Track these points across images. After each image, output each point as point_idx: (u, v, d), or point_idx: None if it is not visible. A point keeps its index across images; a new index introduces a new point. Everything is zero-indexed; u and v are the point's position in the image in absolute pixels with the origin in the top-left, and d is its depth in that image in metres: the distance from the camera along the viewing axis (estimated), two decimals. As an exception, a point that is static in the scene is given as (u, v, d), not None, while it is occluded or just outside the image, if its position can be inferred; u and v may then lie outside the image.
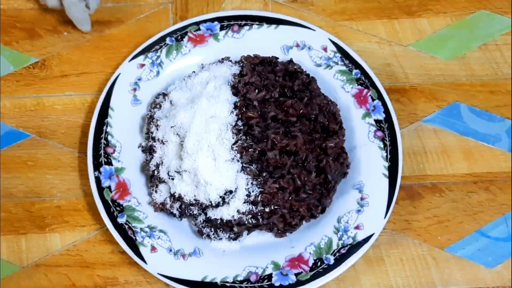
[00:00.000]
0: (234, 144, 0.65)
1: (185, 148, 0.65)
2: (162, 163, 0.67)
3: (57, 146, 0.74)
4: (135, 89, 0.73)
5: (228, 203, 0.64)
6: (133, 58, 0.74)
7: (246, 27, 0.76)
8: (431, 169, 0.72)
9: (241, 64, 0.71)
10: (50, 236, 0.69)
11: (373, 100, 0.72)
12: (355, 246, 0.65)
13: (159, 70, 0.75)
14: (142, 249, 0.66)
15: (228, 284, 0.64)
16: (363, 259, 0.68)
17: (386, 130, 0.70)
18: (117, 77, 0.73)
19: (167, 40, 0.75)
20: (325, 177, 0.66)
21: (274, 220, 0.65)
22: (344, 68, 0.74)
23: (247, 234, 0.68)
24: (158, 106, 0.71)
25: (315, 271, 0.65)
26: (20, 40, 0.79)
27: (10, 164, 0.73)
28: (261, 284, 0.64)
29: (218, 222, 0.65)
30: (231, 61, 0.73)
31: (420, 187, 0.72)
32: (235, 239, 0.67)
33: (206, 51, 0.76)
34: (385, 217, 0.66)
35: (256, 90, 0.68)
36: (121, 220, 0.67)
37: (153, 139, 0.69)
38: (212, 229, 0.66)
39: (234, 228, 0.65)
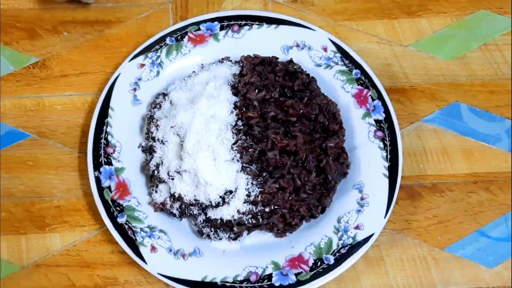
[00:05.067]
0: (234, 144, 0.65)
1: (185, 148, 0.65)
2: (162, 163, 0.67)
3: (57, 146, 0.74)
4: (135, 89, 0.73)
5: (228, 203, 0.64)
6: (133, 58, 0.74)
7: (246, 27, 0.76)
8: (431, 169, 0.72)
9: (241, 64, 0.71)
10: (50, 236, 0.69)
11: (373, 100, 0.72)
12: (355, 246, 0.65)
13: (159, 70, 0.75)
14: (142, 249, 0.66)
15: (228, 284, 0.64)
16: (363, 259, 0.68)
17: (386, 130, 0.70)
18: (117, 77, 0.73)
19: (167, 40, 0.75)
20: (325, 177, 0.66)
21: (274, 220, 0.65)
22: (344, 68, 0.74)
23: (247, 234, 0.68)
24: (158, 106, 0.71)
25: (315, 271, 0.65)
26: (20, 40, 0.79)
27: (10, 164, 0.73)
28: (261, 284, 0.64)
29: (218, 222, 0.65)
30: (231, 61, 0.73)
31: (420, 187, 0.72)
32: (235, 239, 0.67)
33: (206, 51, 0.76)
34: (385, 217, 0.66)
35: (256, 90, 0.68)
36: (121, 220, 0.67)
37: (153, 139, 0.69)
38: (212, 229, 0.66)
39: (234, 228, 0.65)
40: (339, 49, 0.75)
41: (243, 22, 0.76)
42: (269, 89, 0.68)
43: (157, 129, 0.69)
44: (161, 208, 0.68)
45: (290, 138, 0.65)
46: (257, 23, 0.76)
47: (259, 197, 0.64)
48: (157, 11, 0.81)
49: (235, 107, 0.67)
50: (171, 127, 0.67)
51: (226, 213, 0.64)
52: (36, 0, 0.82)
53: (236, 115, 0.66)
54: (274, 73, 0.70)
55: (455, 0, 0.82)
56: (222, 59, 0.73)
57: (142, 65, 0.74)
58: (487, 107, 0.76)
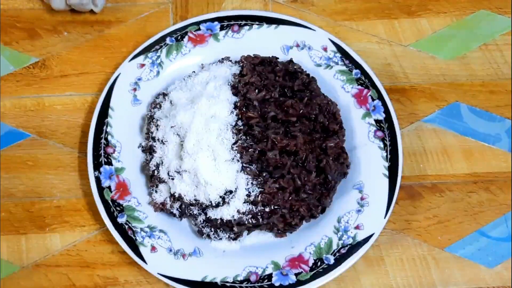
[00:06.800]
0: (234, 144, 0.65)
1: (185, 148, 0.65)
2: (162, 163, 0.67)
3: (57, 146, 0.74)
4: (135, 89, 0.73)
5: (228, 203, 0.64)
6: (133, 58, 0.74)
7: (246, 27, 0.76)
8: (431, 169, 0.72)
9: (241, 64, 0.71)
10: (50, 236, 0.69)
11: (373, 100, 0.72)
12: (355, 246, 0.65)
13: (159, 70, 0.75)
14: (142, 249, 0.66)
15: (228, 284, 0.64)
16: (363, 259, 0.68)
17: (386, 130, 0.70)
18: (117, 77, 0.73)
19: (167, 40, 0.75)
20: (325, 177, 0.66)
21: (274, 220, 0.65)
22: (344, 68, 0.74)
23: (247, 234, 0.68)
24: (158, 106, 0.71)
25: (315, 271, 0.65)
26: (20, 40, 0.79)
27: (10, 164, 0.73)
28: (261, 284, 0.64)
29: (218, 222, 0.65)
30: (231, 61, 0.73)
31: (420, 187, 0.72)
32: (235, 239, 0.67)
33: (206, 51, 0.76)
34: (385, 217, 0.66)
35: (256, 90, 0.68)
36: (121, 220, 0.67)
37: (153, 139, 0.69)
38: (212, 229, 0.66)
39: (234, 228, 0.65)
40: (339, 49, 0.75)
41: (243, 22, 0.76)
42: (269, 89, 0.68)
43: (157, 129, 0.69)
44: (161, 208, 0.68)
45: (290, 138, 0.65)
46: (257, 23, 0.76)
47: (259, 197, 0.64)
48: (157, 11, 0.81)
49: (235, 107, 0.67)
50: (171, 127, 0.67)
51: (226, 213, 0.64)
52: (36, 0, 0.82)
53: (236, 115, 0.66)
54: (274, 73, 0.70)
55: (455, 0, 0.82)
56: (222, 59, 0.73)
57: (142, 65, 0.74)
58: (487, 107, 0.76)
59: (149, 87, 0.74)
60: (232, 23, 0.76)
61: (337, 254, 0.65)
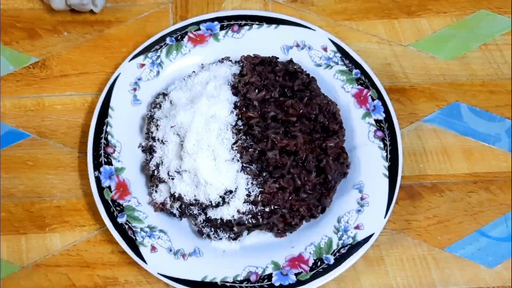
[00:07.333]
0: (234, 144, 0.65)
1: (185, 148, 0.65)
2: (162, 163, 0.67)
3: (57, 146, 0.74)
4: (135, 89, 0.73)
5: (228, 203, 0.64)
6: (133, 58, 0.74)
7: (246, 27, 0.76)
8: (431, 169, 0.72)
9: (241, 64, 0.71)
10: (50, 236, 0.69)
11: (373, 100, 0.72)
12: (355, 246, 0.65)
13: (159, 70, 0.75)
14: (142, 249, 0.66)
15: (228, 284, 0.64)
16: (363, 259, 0.68)
17: (386, 130, 0.70)
18: (117, 77, 0.73)
19: (167, 40, 0.75)
20: (325, 177, 0.66)
21: (274, 220, 0.65)
22: (344, 68, 0.74)
23: (247, 234, 0.68)
24: (158, 106, 0.71)
25: (315, 271, 0.65)
26: (20, 40, 0.79)
27: (10, 164, 0.73)
28: (261, 284, 0.64)
29: (218, 222, 0.65)
30: (231, 61, 0.73)
31: (420, 187, 0.72)
32: (235, 239, 0.67)
33: (206, 51, 0.76)
34: (385, 217, 0.66)
35: (256, 90, 0.68)
36: (121, 220, 0.67)
37: (153, 139, 0.69)
38: (212, 229, 0.66)
39: (234, 228, 0.65)
40: (339, 49, 0.75)
41: (243, 22, 0.76)
42: (269, 89, 0.68)
43: (157, 129, 0.69)
44: (161, 208, 0.68)
45: (290, 138, 0.65)
46: (257, 23, 0.76)
47: (259, 197, 0.64)
48: (157, 11, 0.81)
49: (235, 107, 0.67)
50: (171, 127, 0.67)
51: (226, 213, 0.64)
52: (36, 0, 0.82)
53: (236, 115, 0.66)
54: (274, 73, 0.70)
55: (455, 0, 0.82)
56: (222, 59, 0.73)
57: (142, 65, 0.74)
58: (487, 107, 0.76)
59: (149, 87, 0.74)
60: (232, 23, 0.76)
61: (337, 254, 0.65)
